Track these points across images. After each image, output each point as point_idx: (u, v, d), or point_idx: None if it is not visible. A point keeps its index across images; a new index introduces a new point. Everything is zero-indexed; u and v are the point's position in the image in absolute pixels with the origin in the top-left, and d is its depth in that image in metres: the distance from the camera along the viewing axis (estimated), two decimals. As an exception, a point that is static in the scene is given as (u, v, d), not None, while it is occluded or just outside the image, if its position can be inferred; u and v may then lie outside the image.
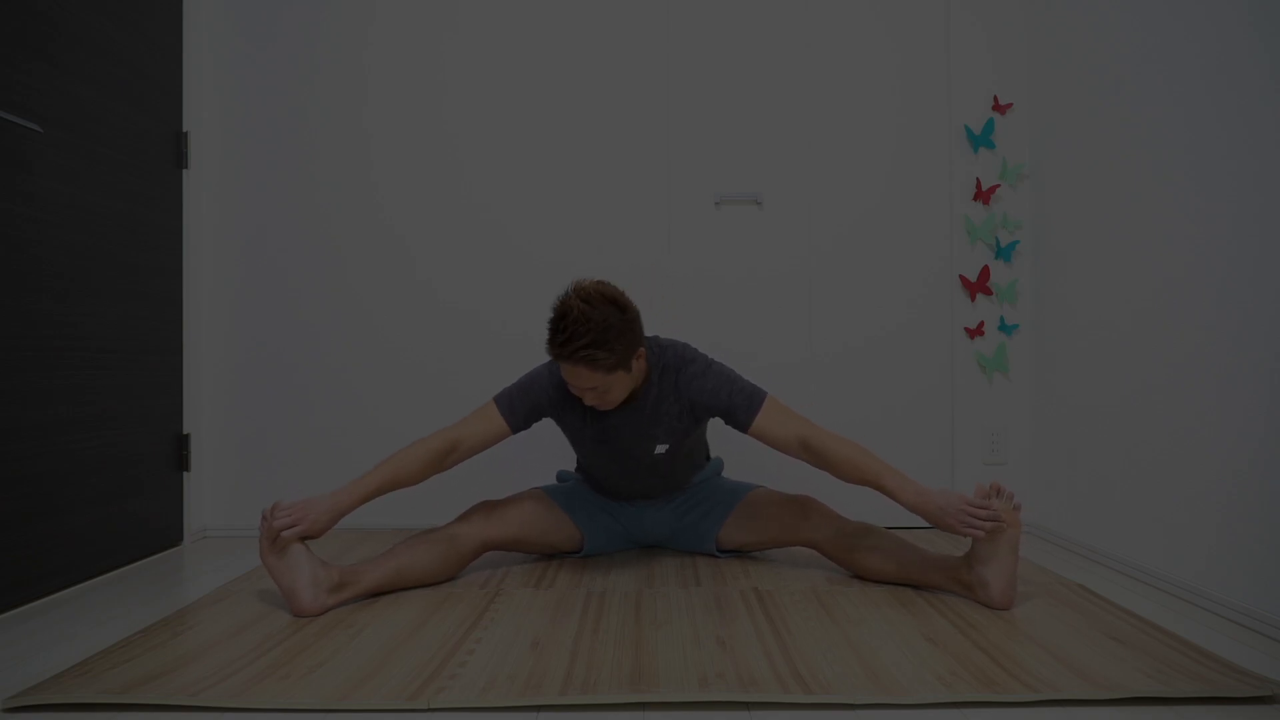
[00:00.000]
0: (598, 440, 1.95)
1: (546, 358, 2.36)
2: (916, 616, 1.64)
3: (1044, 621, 1.61)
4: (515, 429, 1.89)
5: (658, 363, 1.89)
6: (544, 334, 2.53)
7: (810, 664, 1.39)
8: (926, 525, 2.49)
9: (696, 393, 1.87)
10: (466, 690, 1.28)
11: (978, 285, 2.57)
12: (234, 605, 1.75)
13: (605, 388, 1.77)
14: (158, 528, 2.31)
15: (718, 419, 1.98)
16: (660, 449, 1.94)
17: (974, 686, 1.28)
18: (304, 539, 1.69)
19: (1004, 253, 2.56)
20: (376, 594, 1.80)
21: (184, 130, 2.45)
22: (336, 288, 2.59)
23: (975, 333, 2.57)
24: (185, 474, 2.44)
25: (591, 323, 1.68)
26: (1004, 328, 2.57)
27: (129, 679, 1.33)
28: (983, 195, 2.57)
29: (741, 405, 1.85)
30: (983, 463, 2.59)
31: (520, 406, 1.89)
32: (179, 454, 2.42)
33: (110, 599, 1.86)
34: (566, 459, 2.49)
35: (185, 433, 2.44)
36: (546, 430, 2.40)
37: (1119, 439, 2.07)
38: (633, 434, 1.92)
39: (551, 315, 1.73)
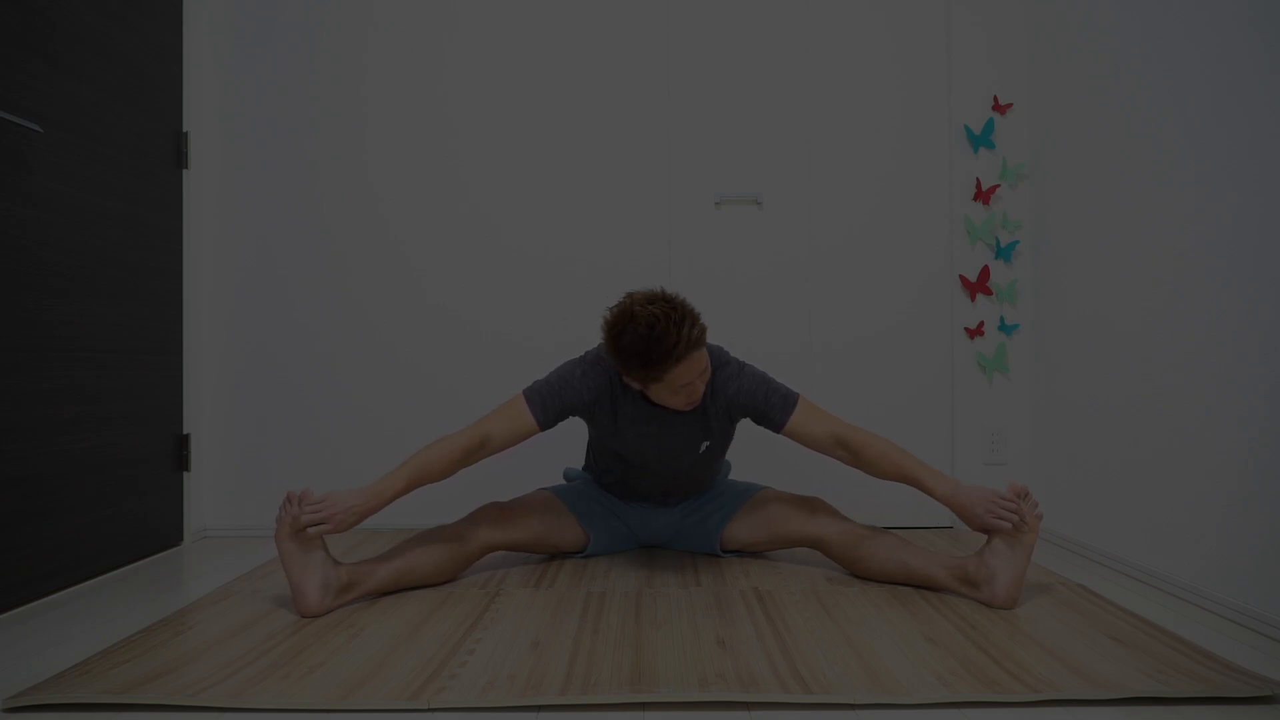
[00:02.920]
0: (637, 440, 1.94)
1: (548, 356, 2.36)
2: (916, 616, 1.64)
3: (1044, 621, 1.61)
4: (543, 427, 1.86)
5: None
6: (546, 336, 2.56)
7: (810, 664, 1.39)
8: (929, 527, 2.49)
9: (734, 393, 1.89)
10: (466, 690, 1.28)
11: (978, 285, 2.57)
12: (234, 605, 1.75)
13: (707, 366, 1.78)
14: (158, 528, 2.31)
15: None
16: (704, 445, 1.96)
17: (974, 686, 1.28)
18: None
19: (1004, 253, 2.56)
20: (381, 594, 1.80)
21: (184, 130, 2.45)
22: (336, 289, 2.59)
23: (975, 333, 2.57)
24: (185, 474, 2.44)
25: (674, 312, 1.70)
26: (1004, 328, 2.57)
27: (129, 679, 1.33)
28: (983, 195, 2.57)
29: (777, 406, 1.87)
30: (983, 463, 2.59)
31: (552, 406, 1.86)
32: (179, 454, 2.42)
33: (110, 599, 1.86)
34: (573, 457, 2.49)
35: (185, 433, 2.44)
36: (556, 429, 2.40)
37: (1119, 439, 2.07)
38: (679, 433, 1.92)
39: (637, 338, 1.68)
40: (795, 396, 1.89)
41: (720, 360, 1.92)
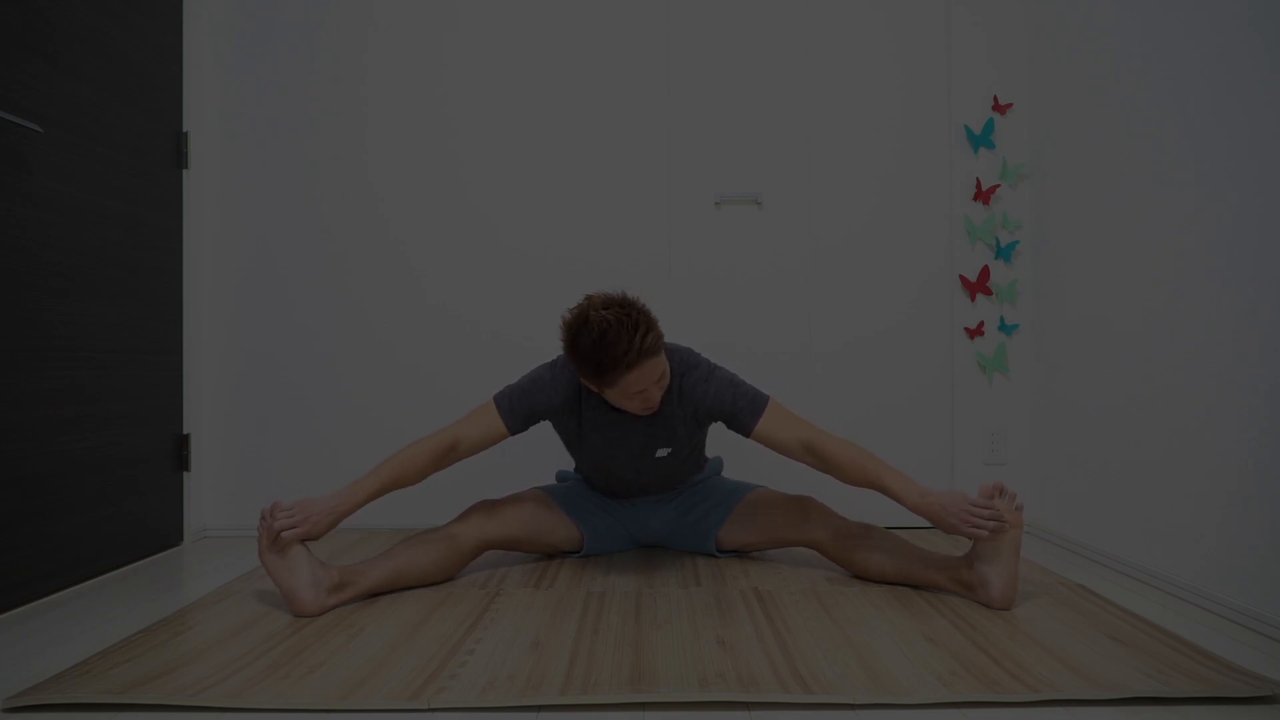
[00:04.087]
0: (601, 445, 1.94)
1: (548, 356, 2.36)
2: (916, 616, 1.64)
3: (1044, 621, 1.61)
4: (513, 431, 1.88)
5: None
6: (546, 336, 2.56)
7: (810, 664, 1.39)
8: (927, 525, 2.49)
9: (700, 398, 1.87)
10: (466, 690, 1.28)
11: (978, 285, 2.57)
12: (234, 605, 1.75)
13: (663, 377, 1.77)
14: (158, 528, 2.31)
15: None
16: (662, 453, 1.94)
17: (974, 686, 1.28)
18: (304, 540, 1.68)
19: (1004, 253, 2.56)
20: (376, 594, 1.80)
21: (184, 130, 2.45)
22: (336, 288, 2.59)
23: (975, 333, 2.57)
24: (185, 474, 2.44)
25: (629, 318, 1.68)
26: (1004, 328, 2.57)
27: (129, 679, 1.33)
28: (983, 195, 2.57)
29: (745, 410, 1.85)
30: (983, 463, 2.59)
31: (520, 409, 1.88)
32: (179, 454, 2.42)
33: (110, 599, 1.86)
34: (566, 458, 2.49)
35: (185, 433, 2.44)
36: (546, 430, 2.40)
37: (1119, 439, 2.07)
38: (638, 438, 1.91)
39: (590, 343, 1.67)
40: (764, 400, 1.86)
41: (689, 363, 1.90)
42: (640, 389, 1.73)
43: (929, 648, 1.46)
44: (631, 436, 1.91)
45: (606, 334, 1.66)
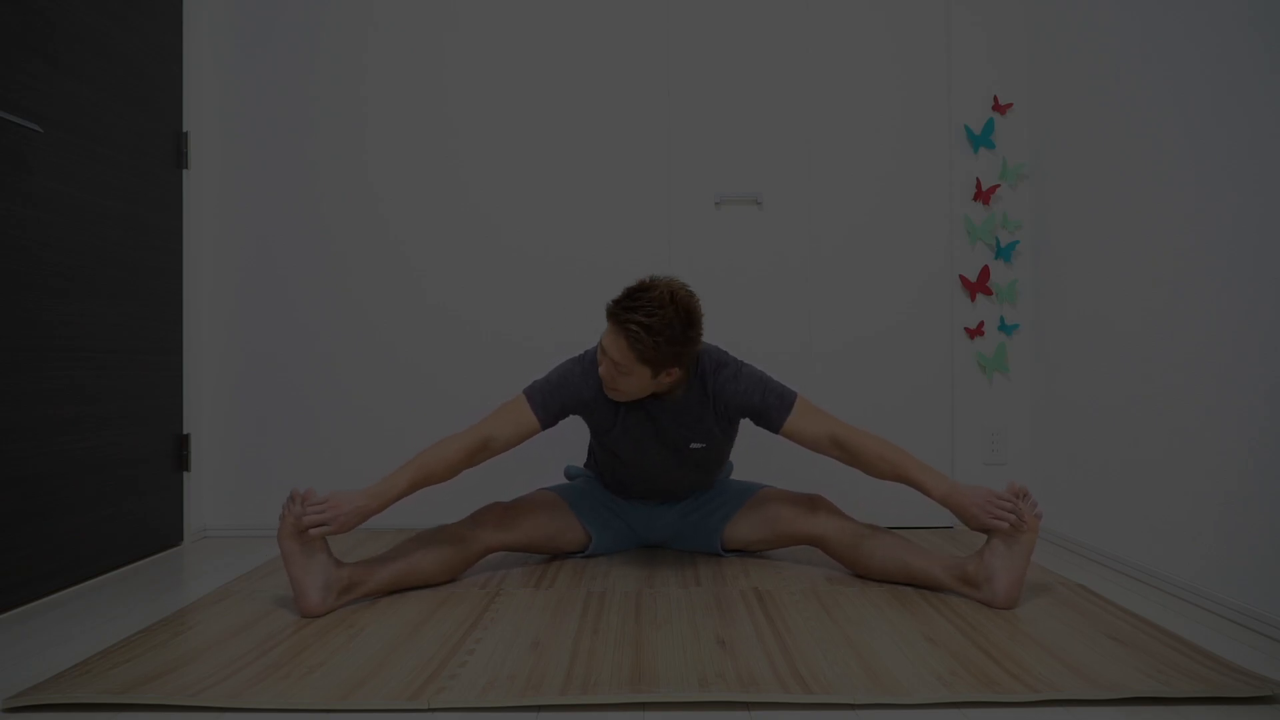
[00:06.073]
0: (635, 438, 1.94)
1: (548, 356, 2.36)
2: (916, 616, 1.64)
3: (1044, 621, 1.61)
4: (545, 425, 1.88)
5: (695, 364, 1.90)
6: (546, 336, 2.56)
7: (810, 664, 1.39)
8: (929, 526, 2.49)
9: (730, 395, 1.89)
10: (466, 690, 1.28)
11: (978, 285, 2.57)
12: (234, 605, 1.75)
13: (625, 370, 1.78)
14: (158, 528, 2.31)
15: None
16: (696, 446, 1.96)
17: (974, 686, 1.29)
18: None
19: (1004, 253, 2.56)
20: (382, 594, 1.80)
21: (184, 130, 2.45)
22: (336, 289, 2.59)
23: (975, 333, 2.57)
24: (185, 474, 2.44)
25: (659, 313, 1.71)
26: (1004, 328, 2.57)
27: (129, 679, 1.33)
28: (983, 195, 2.57)
29: (774, 406, 1.87)
30: (983, 463, 2.59)
31: (552, 403, 1.88)
32: (179, 454, 2.42)
33: (110, 599, 1.86)
34: (573, 454, 2.49)
35: (185, 433, 2.44)
36: (554, 429, 2.39)
37: (1119, 439, 2.07)
38: (672, 431, 1.93)
39: (639, 286, 1.77)
40: (793, 396, 1.89)
41: (719, 361, 1.92)
42: (604, 353, 1.78)
43: (929, 648, 1.46)
44: (668, 430, 1.92)
45: (638, 289, 1.74)
